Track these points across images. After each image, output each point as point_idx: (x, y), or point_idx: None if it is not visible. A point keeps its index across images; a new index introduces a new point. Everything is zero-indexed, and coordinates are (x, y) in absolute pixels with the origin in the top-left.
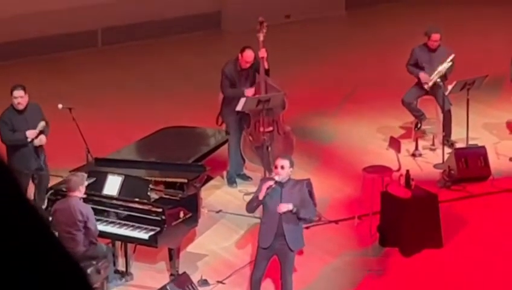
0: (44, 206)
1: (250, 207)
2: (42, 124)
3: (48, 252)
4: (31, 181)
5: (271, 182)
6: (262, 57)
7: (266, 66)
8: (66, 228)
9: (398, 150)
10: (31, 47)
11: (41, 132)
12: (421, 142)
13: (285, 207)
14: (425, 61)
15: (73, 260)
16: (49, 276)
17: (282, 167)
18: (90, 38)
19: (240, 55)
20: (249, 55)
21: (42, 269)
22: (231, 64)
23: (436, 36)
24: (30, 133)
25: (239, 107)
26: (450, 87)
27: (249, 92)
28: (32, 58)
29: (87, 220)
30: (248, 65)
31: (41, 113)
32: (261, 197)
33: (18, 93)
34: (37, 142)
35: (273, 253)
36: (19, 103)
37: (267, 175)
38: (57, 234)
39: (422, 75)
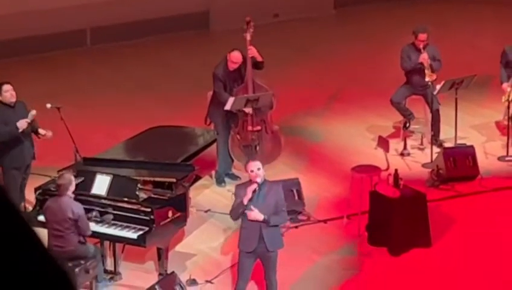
0: (33, 206)
1: (236, 214)
2: (33, 112)
3: (29, 252)
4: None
5: (254, 186)
6: (252, 56)
7: (260, 59)
8: (55, 226)
9: (387, 150)
10: (19, 46)
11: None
12: (409, 142)
13: (255, 216)
14: (415, 62)
15: (56, 261)
16: (30, 276)
17: (258, 169)
18: (78, 38)
19: (228, 56)
20: (235, 56)
21: (23, 269)
22: (221, 67)
23: (422, 36)
24: (21, 124)
25: (227, 107)
26: (438, 86)
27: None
28: (20, 57)
29: (78, 218)
30: (235, 66)
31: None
32: (245, 202)
33: (8, 86)
34: (48, 135)
35: (255, 257)
36: (11, 95)
37: None
38: (47, 231)
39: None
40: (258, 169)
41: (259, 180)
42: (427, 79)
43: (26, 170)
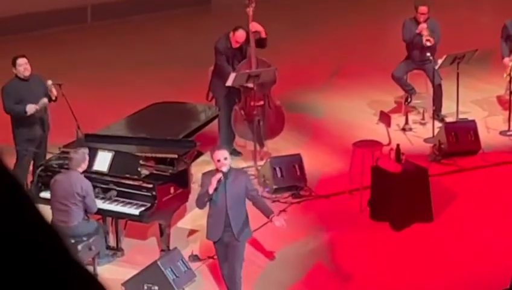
0: (34, 182)
1: (201, 203)
2: (44, 101)
3: (31, 227)
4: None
5: (219, 175)
6: (256, 31)
7: (264, 35)
8: (62, 200)
9: (388, 125)
10: (20, 23)
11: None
12: (411, 117)
13: (281, 223)
14: (415, 34)
15: (59, 236)
16: (32, 251)
17: (225, 158)
18: (79, 15)
19: (231, 33)
20: (240, 35)
21: (24, 244)
22: (223, 40)
23: (423, 9)
24: (30, 108)
25: (229, 83)
26: (440, 61)
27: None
28: (21, 34)
29: (86, 195)
30: (238, 45)
31: (44, 84)
32: (211, 191)
33: (23, 60)
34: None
35: (226, 245)
36: (25, 69)
37: (258, 149)
38: (51, 206)
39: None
40: (225, 159)
41: (224, 169)
42: (425, 43)
43: (41, 144)
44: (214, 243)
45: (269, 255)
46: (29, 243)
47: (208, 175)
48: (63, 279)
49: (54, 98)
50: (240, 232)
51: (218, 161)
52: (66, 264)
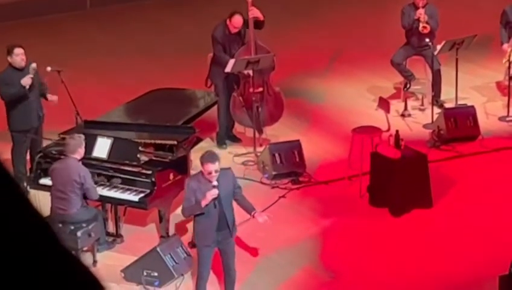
0: (34, 169)
1: (190, 214)
2: (33, 66)
3: (21, 219)
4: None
5: (215, 192)
6: (255, 17)
7: (262, 18)
8: (60, 188)
9: (388, 111)
10: (19, 9)
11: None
12: (410, 103)
13: (264, 220)
14: (413, 19)
15: (50, 228)
16: (22, 244)
17: (216, 171)
18: (79, 1)
19: (228, 20)
20: (237, 20)
21: (15, 237)
22: (220, 28)
23: None
24: (24, 81)
25: (228, 69)
26: (439, 47)
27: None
28: (20, 20)
29: (84, 182)
30: (236, 30)
31: (38, 74)
32: (203, 205)
33: (20, 50)
34: (54, 99)
35: (215, 246)
36: (22, 60)
37: (257, 136)
38: (51, 193)
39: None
40: (216, 171)
41: (215, 183)
42: (421, 30)
43: (36, 133)
44: (201, 246)
45: (254, 253)
46: (20, 236)
47: (194, 180)
48: (56, 274)
49: (48, 98)
50: (233, 228)
51: (210, 173)
52: (58, 258)
